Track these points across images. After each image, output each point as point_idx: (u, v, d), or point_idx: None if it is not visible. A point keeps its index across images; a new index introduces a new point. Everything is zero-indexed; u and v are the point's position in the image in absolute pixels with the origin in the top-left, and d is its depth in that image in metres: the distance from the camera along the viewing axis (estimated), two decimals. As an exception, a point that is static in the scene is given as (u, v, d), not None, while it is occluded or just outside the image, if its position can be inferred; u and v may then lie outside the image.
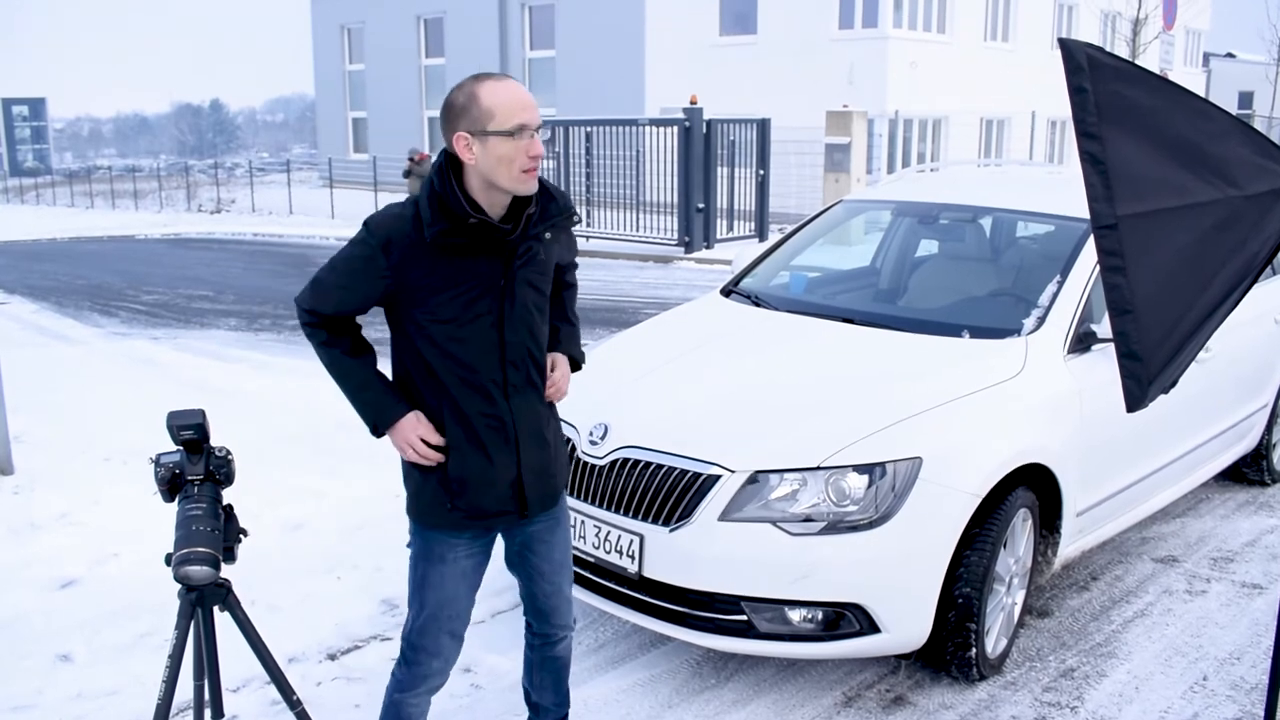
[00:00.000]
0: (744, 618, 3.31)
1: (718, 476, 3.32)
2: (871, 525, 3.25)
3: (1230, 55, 40.86)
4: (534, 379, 2.58)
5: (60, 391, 7.84)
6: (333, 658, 3.82)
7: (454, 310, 2.43)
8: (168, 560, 2.42)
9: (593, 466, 3.57)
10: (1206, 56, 38.32)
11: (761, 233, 17.57)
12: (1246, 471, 5.59)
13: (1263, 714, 3.26)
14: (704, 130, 16.79)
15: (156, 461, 2.51)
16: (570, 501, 3.53)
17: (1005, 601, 3.68)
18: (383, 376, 2.57)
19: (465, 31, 30.67)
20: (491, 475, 2.54)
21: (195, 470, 2.51)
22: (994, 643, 3.64)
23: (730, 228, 17.85)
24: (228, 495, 2.58)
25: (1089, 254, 4.07)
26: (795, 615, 3.29)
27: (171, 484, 2.50)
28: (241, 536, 2.57)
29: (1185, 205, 2.44)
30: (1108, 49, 2.59)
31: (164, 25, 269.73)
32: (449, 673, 2.74)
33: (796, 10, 23.38)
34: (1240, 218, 2.47)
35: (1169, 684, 3.66)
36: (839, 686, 3.63)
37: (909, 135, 23.37)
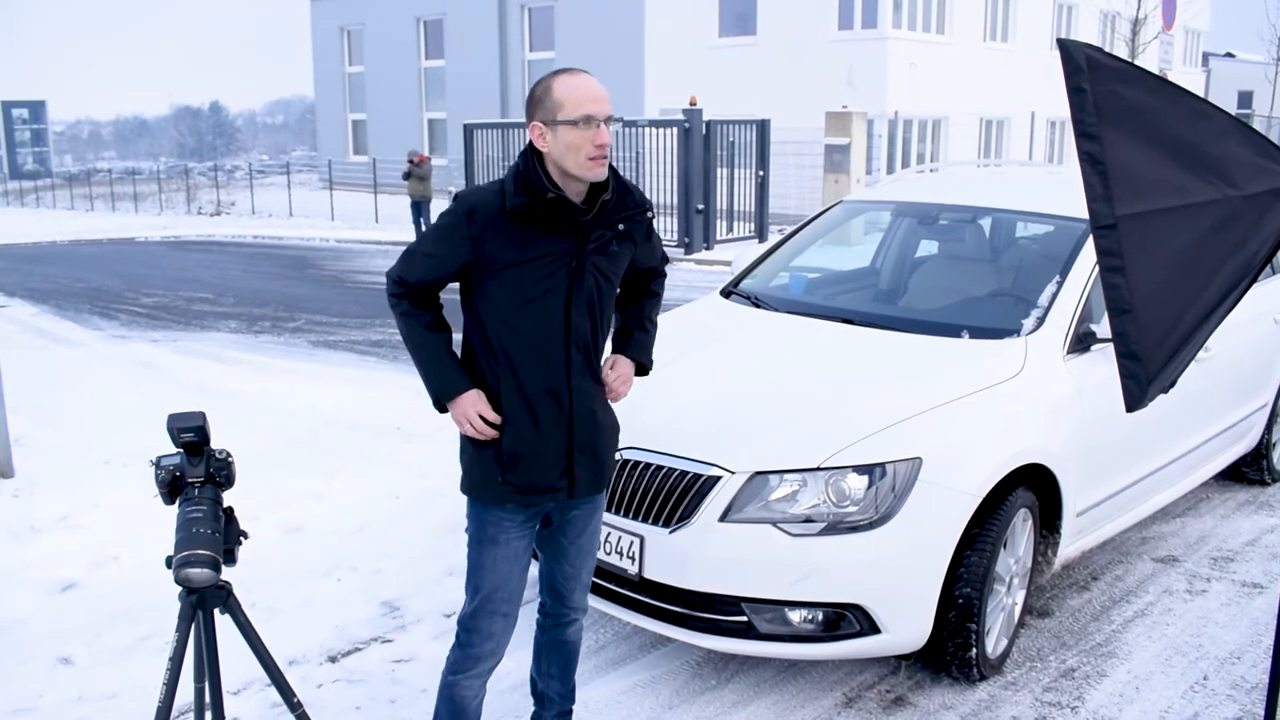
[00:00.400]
0: (744, 619, 3.31)
1: (718, 477, 3.32)
2: (872, 526, 3.25)
3: (1229, 55, 40.87)
4: (594, 364, 2.69)
5: (60, 394, 7.84)
6: (333, 660, 3.82)
7: (525, 284, 2.56)
8: (168, 563, 2.42)
9: (593, 468, 3.56)
10: (1206, 56, 38.33)
11: (761, 234, 17.58)
12: (1246, 471, 5.60)
13: (1263, 713, 3.26)
14: (704, 131, 16.80)
15: (157, 464, 2.51)
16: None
17: (1005, 602, 3.68)
18: (453, 354, 2.69)
19: (465, 33, 30.69)
20: (544, 452, 2.64)
21: (196, 473, 2.51)
22: (994, 643, 3.64)
23: (730, 229, 17.86)
24: (228, 498, 2.58)
25: (1088, 254, 4.07)
26: (795, 616, 3.29)
27: (172, 486, 2.50)
28: (242, 539, 2.57)
29: (1184, 205, 2.44)
30: (1107, 49, 2.59)
31: (163, 27, 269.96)
32: (502, 654, 2.81)
33: (796, 11, 23.39)
34: (1239, 217, 2.48)
35: (1169, 684, 3.66)
36: (839, 687, 3.63)
37: (908, 136, 23.38)
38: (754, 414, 3.59)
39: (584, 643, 3.84)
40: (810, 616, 3.29)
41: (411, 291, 2.67)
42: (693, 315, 4.79)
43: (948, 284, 4.77)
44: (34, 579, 4.45)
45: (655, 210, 2.87)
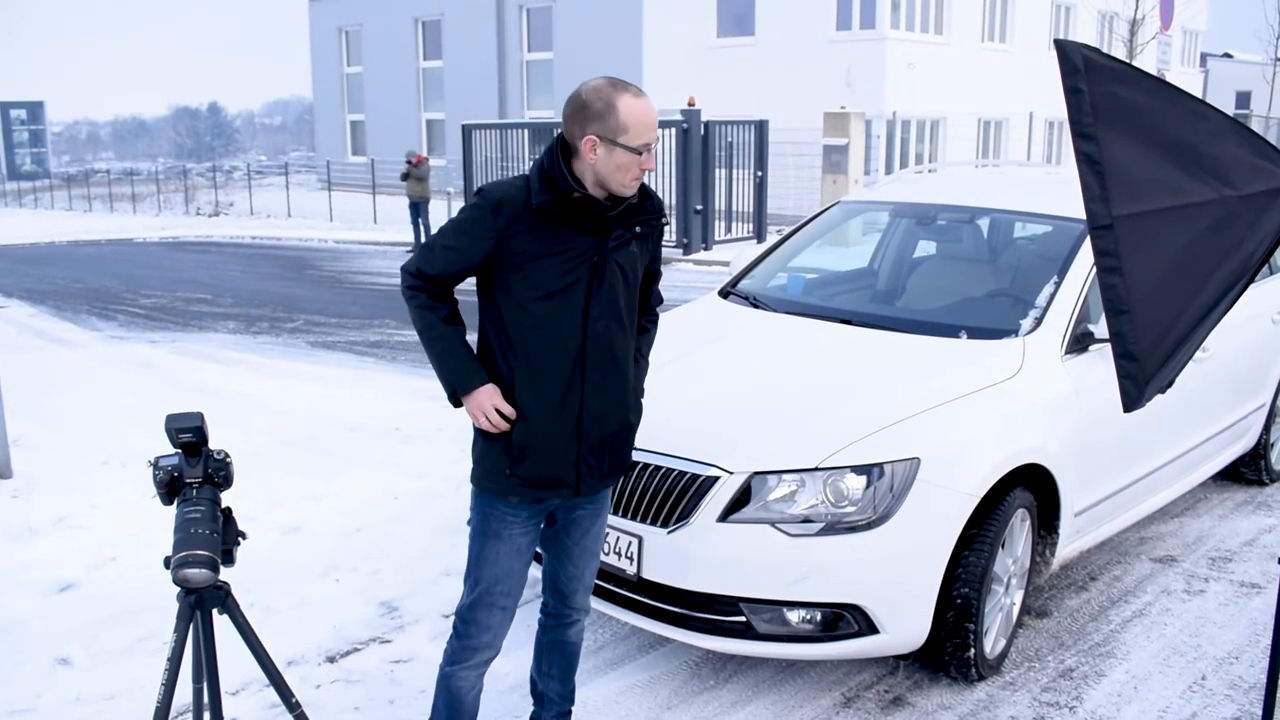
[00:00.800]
0: (743, 619, 3.31)
1: (716, 478, 3.32)
2: (870, 526, 3.25)
3: (1227, 55, 40.89)
4: (617, 358, 2.70)
5: (58, 395, 7.84)
6: (331, 660, 3.82)
7: (548, 278, 2.58)
8: (166, 563, 2.42)
9: (591, 468, 3.56)
10: (1204, 57, 38.36)
11: (760, 234, 17.59)
12: (1244, 471, 5.60)
13: (1260, 713, 3.26)
14: (702, 132, 16.80)
15: (155, 464, 2.51)
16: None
17: (1004, 602, 3.69)
18: (469, 347, 2.70)
19: (463, 34, 30.69)
20: (553, 446, 2.65)
21: (194, 473, 2.51)
22: (992, 643, 3.64)
23: (728, 229, 17.87)
24: (226, 498, 2.58)
25: (1086, 254, 4.07)
26: (794, 616, 3.29)
27: (170, 487, 2.50)
28: (240, 539, 2.57)
29: (1181, 205, 2.45)
30: (1105, 50, 2.59)
31: (162, 28, 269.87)
32: (499, 647, 2.83)
33: (794, 12, 23.39)
34: (1236, 218, 2.48)
35: (1167, 683, 3.66)
36: (838, 687, 3.63)
37: (907, 136, 23.38)
38: (752, 414, 3.59)
39: (582, 643, 3.84)
40: (808, 616, 3.29)
41: (430, 284, 2.68)
42: (691, 316, 4.78)
43: (946, 284, 4.77)
44: (32, 580, 4.45)
45: (666, 218, 2.88)
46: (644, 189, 2.71)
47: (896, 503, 3.27)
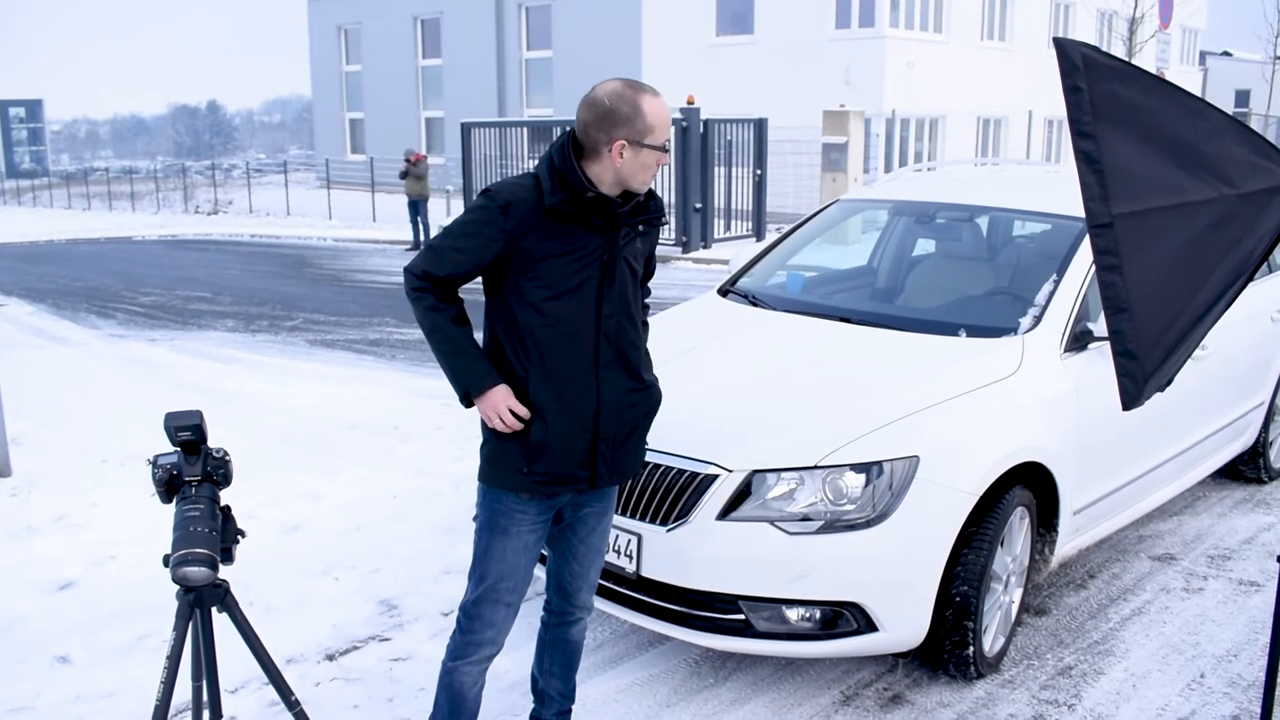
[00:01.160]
0: (742, 617, 3.31)
1: (715, 476, 3.32)
2: (869, 524, 3.25)
3: (1227, 54, 40.88)
4: (626, 354, 2.71)
5: (58, 393, 7.84)
6: (331, 658, 3.82)
7: (560, 277, 2.59)
8: (165, 561, 2.42)
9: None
10: (1203, 55, 38.35)
11: (759, 232, 17.58)
12: (1244, 469, 5.60)
13: (1259, 711, 3.27)
14: (701, 130, 16.79)
15: (154, 463, 2.51)
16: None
17: (1003, 600, 3.69)
18: (478, 347, 2.69)
19: (462, 32, 30.67)
20: (571, 442, 2.66)
21: (193, 471, 2.51)
22: (991, 641, 3.65)
23: (728, 227, 17.86)
24: (225, 496, 2.58)
25: (1085, 253, 4.07)
26: (793, 614, 3.30)
27: (169, 485, 2.50)
28: (239, 537, 2.57)
29: (1180, 204, 2.45)
30: (1104, 48, 2.60)
31: (161, 27, 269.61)
32: (502, 643, 2.83)
33: (793, 10, 23.38)
34: (1235, 216, 2.48)
35: (1166, 681, 3.66)
36: (837, 685, 3.63)
37: (906, 135, 23.37)
38: (751, 413, 3.59)
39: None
40: (808, 614, 3.30)
41: (437, 285, 2.66)
42: (690, 314, 4.78)
43: (945, 283, 4.77)
44: (31, 578, 4.45)
45: (665, 219, 2.89)
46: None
47: (896, 501, 3.27)
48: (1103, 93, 2.38)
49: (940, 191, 5.30)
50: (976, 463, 3.41)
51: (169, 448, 2.53)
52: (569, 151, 2.60)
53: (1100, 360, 3.83)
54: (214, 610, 2.55)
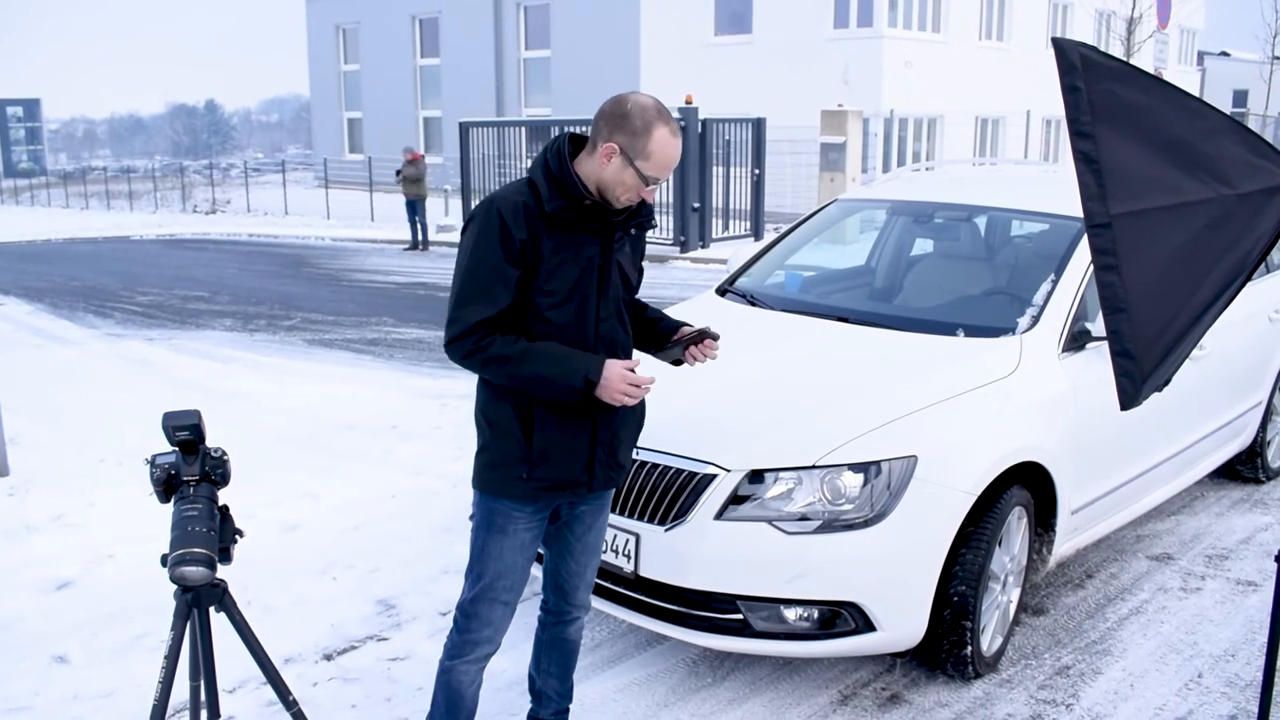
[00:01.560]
0: (740, 616, 3.31)
1: (713, 475, 3.32)
2: (867, 524, 3.25)
3: (1224, 54, 40.91)
4: (619, 359, 2.69)
5: (55, 393, 7.83)
6: (329, 658, 3.82)
7: (559, 284, 2.58)
8: (163, 561, 2.42)
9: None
10: (1201, 55, 38.37)
11: (757, 232, 17.59)
12: (1241, 469, 5.61)
13: (1257, 711, 3.27)
14: (699, 130, 16.80)
15: (152, 462, 2.51)
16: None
17: (1000, 599, 3.69)
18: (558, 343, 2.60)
19: (460, 31, 30.66)
20: (571, 448, 2.66)
21: (191, 471, 2.51)
22: (989, 641, 3.65)
23: (726, 227, 17.86)
24: (223, 496, 2.58)
25: (1083, 252, 4.08)
26: (791, 614, 3.30)
27: (167, 485, 2.50)
28: (237, 537, 2.57)
29: (1178, 204, 2.45)
30: (1102, 48, 2.60)
31: (159, 26, 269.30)
32: (499, 642, 2.83)
33: (792, 10, 23.39)
34: (1233, 216, 2.48)
35: (1164, 681, 3.67)
36: (835, 685, 3.64)
37: (904, 134, 23.39)
38: (749, 412, 3.59)
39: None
40: (805, 614, 3.30)
41: (495, 325, 2.53)
42: (688, 313, 4.77)
43: (943, 282, 4.77)
44: (29, 578, 4.45)
45: (654, 222, 2.87)
46: None
47: (894, 500, 3.27)
48: (1101, 93, 2.38)
49: (938, 191, 5.30)
50: (974, 462, 3.42)
51: (167, 447, 2.53)
52: (565, 156, 2.58)
53: (1098, 360, 3.83)
54: (212, 610, 2.55)
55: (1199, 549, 4.82)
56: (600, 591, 3.54)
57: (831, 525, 3.25)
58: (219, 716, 2.65)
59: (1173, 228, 2.45)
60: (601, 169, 2.55)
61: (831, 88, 21.61)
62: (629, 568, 3.42)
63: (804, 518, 3.25)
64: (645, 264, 2.91)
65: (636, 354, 2.83)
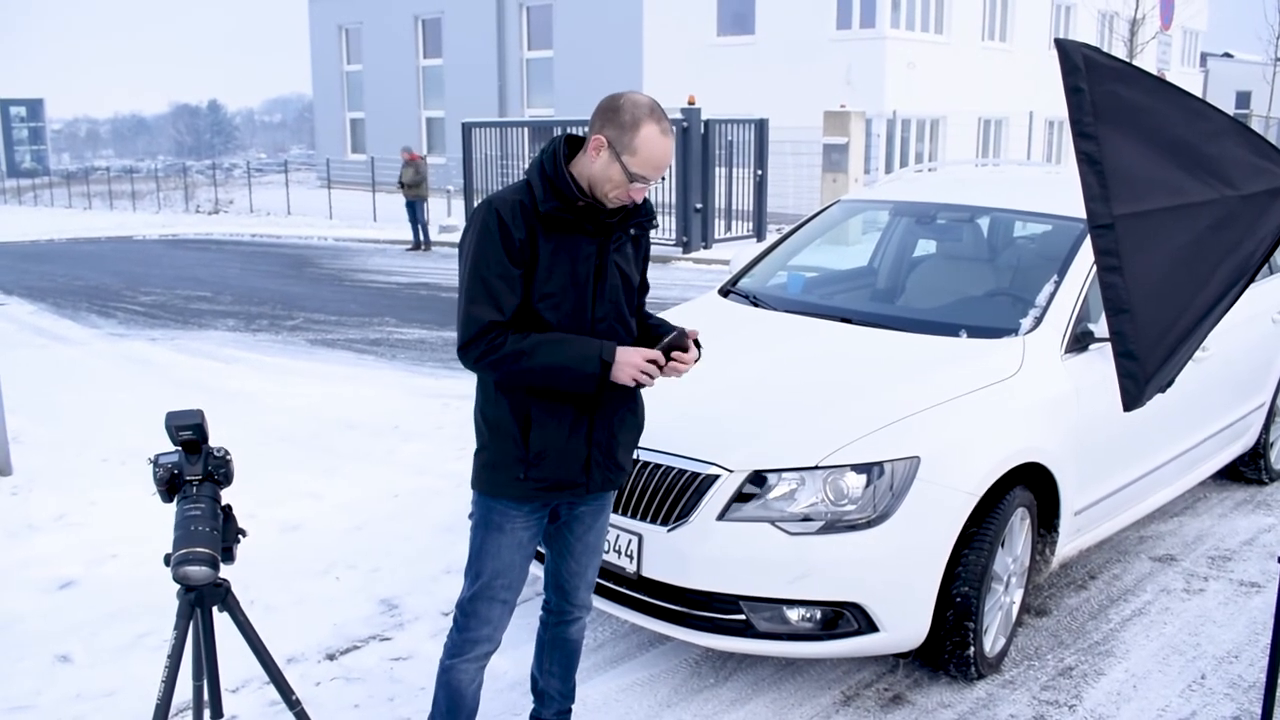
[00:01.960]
0: (742, 617, 3.31)
1: (716, 476, 3.32)
2: (870, 524, 3.25)
3: (1228, 55, 40.88)
4: None
5: (58, 392, 7.84)
6: (331, 658, 3.82)
7: (555, 284, 2.58)
8: (166, 560, 2.42)
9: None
10: (1204, 56, 38.35)
11: (759, 233, 17.58)
12: (1244, 470, 5.60)
13: (1260, 713, 3.27)
14: (702, 130, 16.79)
15: (155, 462, 2.51)
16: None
17: (1003, 600, 3.69)
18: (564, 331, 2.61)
19: (463, 32, 30.67)
20: (568, 448, 2.66)
21: (194, 470, 2.51)
22: (992, 641, 3.65)
23: (728, 228, 17.86)
24: (226, 495, 2.58)
25: (1086, 253, 4.08)
26: (793, 614, 3.30)
27: (170, 484, 2.50)
28: (240, 537, 2.57)
29: (1181, 205, 2.45)
30: (1105, 49, 2.60)
31: (162, 26, 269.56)
32: (499, 641, 2.83)
33: (794, 10, 23.39)
34: (1236, 217, 2.48)
35: (1167, 682, 3.66)
36: (837, 685, 3.63)
37: (906, 135, 23.38)
38: (752, 413, 3.59)
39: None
40: (808, 615, 3.30)
41: (507, 325, 2.54)
42: (691, 314, 4.78)
43: (945, 283, 4.77)
44: (32, 577, 4.45)
45: (656, 221, 2.86)
46: None
47: (896, 501, 3.27)
48: (1104, 93, 2.38)
49: (941, 192, 5.30)
50: (977, 463, 3.41)
51: (170, 447, 2.53)
52: (560, 157, 2.58)
53: (1101, 361, 3.83)
54: (215, 609, 2.55)
55: (1202, 550, 4.81)
56: (603, 592, 3.55)
57: (834, 526, 3.25)
58: (222, 716, 2.66)
59: (1176, 229, 2.45)
60: (590, 163, 2.55)
61: (834, 88, 21.61)
62: (631, 568, 3.42)
63: (807, 518, 3.25)
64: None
65: None
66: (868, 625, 3.29)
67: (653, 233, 2.89)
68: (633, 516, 3.43)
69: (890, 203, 5.28)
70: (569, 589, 2.95)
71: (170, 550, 2.41)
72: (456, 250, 2.69)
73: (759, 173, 17.76)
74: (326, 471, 5.80)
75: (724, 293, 4.93)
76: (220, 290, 14.14)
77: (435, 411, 7.08)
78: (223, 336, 10.47)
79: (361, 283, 15.02)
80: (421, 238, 19.25)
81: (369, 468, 5.89)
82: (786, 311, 4.48)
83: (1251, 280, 2.55)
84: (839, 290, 5.19)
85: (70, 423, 6.87)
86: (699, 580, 3.31)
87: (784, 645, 3.34)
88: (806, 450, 3.33)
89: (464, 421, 6.52)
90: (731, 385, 3.80)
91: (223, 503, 2.54)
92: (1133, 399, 2.55)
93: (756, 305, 4.65)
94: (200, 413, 2.52)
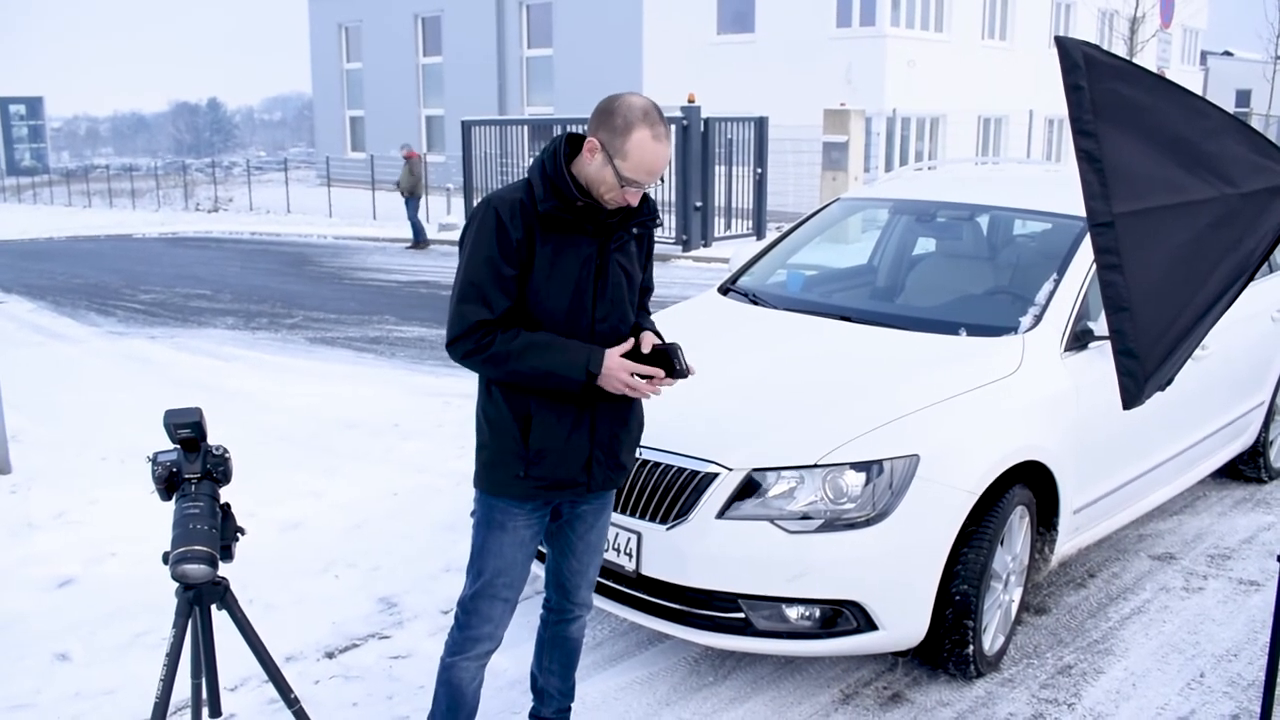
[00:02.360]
0: (741, 615, 3.31)
1: (715, 474, 3.32)
2: (869, 523, 3.25)
3: (1228, 53, 40.86)
4: None
5: (57, 390, 7.84)
6: (330, 656, 3.82)
7: (555, 283, 2.58)
8: (165, 559, 2.42)
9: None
10: (1204, 55, 38.33)
11: (759, 231, 17.58)
12: (1244, 468, 5.60)
13: (1259, 711, 3.27)
14: (702, 129, 16.79)
15: (154, 460, 2.51)
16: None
17: (1002, 599, 3.69)
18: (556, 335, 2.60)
19: (463, 30, 30.65)
20: (569, 447, 2.65)
21: (192, 469, 2.51)
22: (991, 640, 3.65)
23: (728, 226, 17.86)
24: (225, 494, 2.58)
25: (1086, 252, 4.07)
26: (793, 613, 3.29)
27: (169, 482, 2.50)
28: (239, 535, 2.57)
29: (1181, 203, 2.45)
30: (1105, 47, 2.60)
31: (161, 24, 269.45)
32: (500, 639, 2.83)
33: (794, 9, 23.37)
34: (1236, 215, 2.48)
35: (1166, 681, 3.66)
36: (836, 684, 3.63)
37: (906, 133, 23.37)
38: (751, 411, 3.59)
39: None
40: (807, 613, 3.30)
41: (497, 323, 2.55)
42: (690, 312, 4.78)
43: (945, 282, 4.77)
44: (31, 575, 4.45)
45: (659, 220, 2.86)
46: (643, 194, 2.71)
47: (895, 500, 3.27)
48: (1104, 91, 2.37)
49: (941, 190, 5.29)
50: (976, 462, 3.41)
51: (169, 445, 2.53)
52: (560, 157, 2.57)
53: (1101, 359, 3.83)
54: (213, 608, 2.55)
55: (1201, 548, 4.81)
56: (602, 590, 3.54)
57: (833, 524, 3.25)
58: (220, 714, 2.66)
59: (1176, 227, 2.44)
60: (586, 164, 2.55)
61: (834, 87, 21.60)
62: (631, 566, 3.42)
63: (806, 516, 3.25)
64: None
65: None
66: (867, 623, 3.29)
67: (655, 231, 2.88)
68: (632, 515, 3.43)
69: (890, 201, 5.28)
70: (570, 587, 2.95)
71: (169, 549, 2.41)
72: (456, 248, 2.69)
73: (759, 171, 17.76)
74: (326, 470, 5.79)
75: (724, 291, 4.93)
76: (220, 288, 14.14)
77: (435, 410, 7.08)
78: (222, 335, 10.47)
79: (361, 281, 15.02)
80: (416, 235, 19.24)
81: (368, 466, 5.89)
82: (786, 310, 4.48)
83: (1251, 278, 2.55)
84: (838, 288, 5.19)
85: (69, 421, 6.87)
86: (698, 578, 3.31)
87: (783, 643, 3.34)
88: (806, 448, 3.32)
89: (464, 420, 6.52)
90: (731, 383, 3.80)
91: (221, 501, 2.54)
92: (1132, 397, 2.54)
93: (756, 303, 4.65)
94: (199, 411, 2.52)
